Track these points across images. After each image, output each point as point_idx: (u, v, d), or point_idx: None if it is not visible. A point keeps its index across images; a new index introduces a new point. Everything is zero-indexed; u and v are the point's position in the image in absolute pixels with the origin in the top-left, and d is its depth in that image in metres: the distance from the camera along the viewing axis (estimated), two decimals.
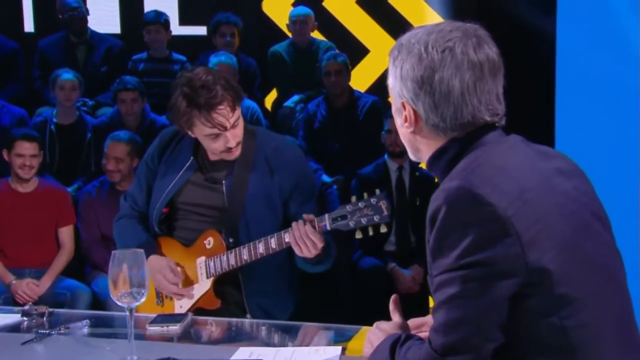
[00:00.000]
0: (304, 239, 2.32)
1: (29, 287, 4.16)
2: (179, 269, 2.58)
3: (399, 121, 1.58)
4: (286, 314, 2.61)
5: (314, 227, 2.33)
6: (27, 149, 4.19)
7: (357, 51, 5.70)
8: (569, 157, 1.61)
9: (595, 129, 4.80)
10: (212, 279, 2.55)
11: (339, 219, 2.29)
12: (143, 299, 1.91)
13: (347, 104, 5.16)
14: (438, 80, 1.48)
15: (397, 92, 1.54)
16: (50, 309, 2.33)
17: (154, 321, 2.23)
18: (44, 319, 2.28)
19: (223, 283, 2.57)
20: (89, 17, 5.58)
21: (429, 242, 1.46)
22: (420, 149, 1.58)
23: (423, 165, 4.82)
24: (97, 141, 4.89)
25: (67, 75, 4.96)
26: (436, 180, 4.76)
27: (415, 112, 1.52)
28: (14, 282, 4.19)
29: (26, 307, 2.31)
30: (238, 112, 2.48)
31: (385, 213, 2.24)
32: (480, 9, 5.37)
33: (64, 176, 4.90)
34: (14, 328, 2.23)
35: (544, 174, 1.48)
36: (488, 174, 1.43)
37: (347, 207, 2.28)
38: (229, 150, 2.48)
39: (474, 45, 1.49)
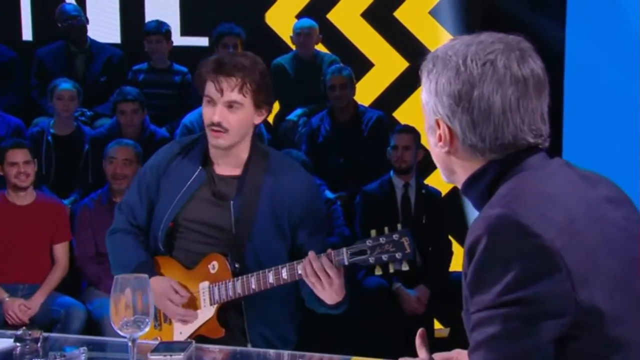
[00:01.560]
0: (320, 274, 2.19)
1: (20, 309, 4.02)
2: (184, 290, 2.44)
3: (432, 140, 1.45)
4: (289, 345, 2.48)
5: (330, 260, 2.21)
6: (19, 156, 4.10)
7: (361, 65, 5.59)
8: (610, 179, 1.48)
9: (603, 137, 4.73)
10: (216, 306, 2.41)
11: (357, 253, 2.19)
12: (147, 329, 1.78)
13: (351, 118, 5.05)
14: (477, 96, 1.35)
15: (431, 108, 1.42)
16: (45, 334, 2.19)
17: (156, 349, 2.09)
18: (38, 344, 2.14)
19: (225, 310, 2.43)
20: (88, 27, 5.46)
21: (466, 276, 1.33)
22: (455, 170, 1.45)
23: (431, 183, 4.77)
24: (95, 153, 4.77)
25: (65, 85, 4.85)
26: (442, 195, 4.67)
27: (450, 130, 1.40)
28: (7, 299, 4.06)
29: (19, 332, 2.17)
30: (245, 106, 2.35)
31: (408, 250, 2.15)
32: (487, 21, 5.28)
33: (60, 188, 4.78)
34: (6, 355, 2.10)
35: (593, 202, 1.36)
36: (533, 202, 1.30)
37: (367, 242, 2.18)
38: (212, 126, 2.36)
39: (517, 58, 1.36)
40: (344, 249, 2.20)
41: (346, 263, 2.20)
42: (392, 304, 4.34)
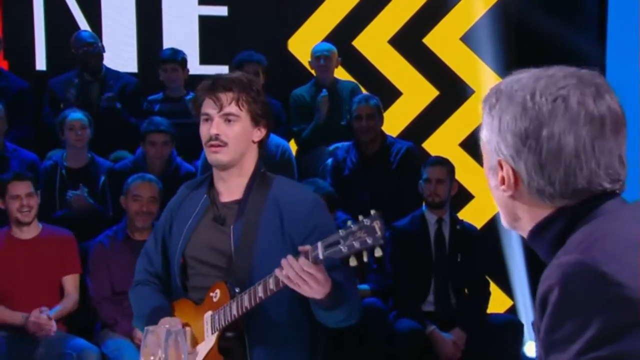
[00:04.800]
0: (301, 275, 2.11)
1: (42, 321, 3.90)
2: (186, 329, 2.36)
3: (493, 182, 1.36)
4: None
5: (307, 258, 2.13)
6: (21, 188, 3.99)
7: (388, 94, 5.46)
8: None
9: None
10: (216, 333, 2.34)
11: (331, 245, 2.08)
12: None
13: (379, 150, 4.84)
14: (546, 136, 1.25)
15: (493, 147, 1.32)
16: None
17: None
18: None
19: (227, 339, 2.36)
20: (105, 55, 5.34)
21: (539, 332, 1.22)
22: (519, 216, 1.34)
23: (465, 217, 4.62)
24: (115, 186, 4.59)
25: (75, 115, 4.72)
26: (479, 228, 4.50)
27: (515, 172, 1.30)
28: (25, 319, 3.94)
29: None
30: (242, 118, 2.35)
31: (379, 234, 2.01)
32: (523, 46, 5.17)
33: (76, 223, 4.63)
34: None
35: None
36: (613, 248, 1.19)
37: (340, 231, 2.07)
38: (210, 141, 2.35)
39: (593, 94, 1.26)
40: (319, 243, 2.11)
41: (321, 257, 2.10)
42: (426, 349, 4.15)
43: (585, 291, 1.16)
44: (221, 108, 2.34)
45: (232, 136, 2.35)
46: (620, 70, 4.72)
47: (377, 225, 2.03)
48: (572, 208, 1.27)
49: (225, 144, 2.35)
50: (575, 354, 1.15)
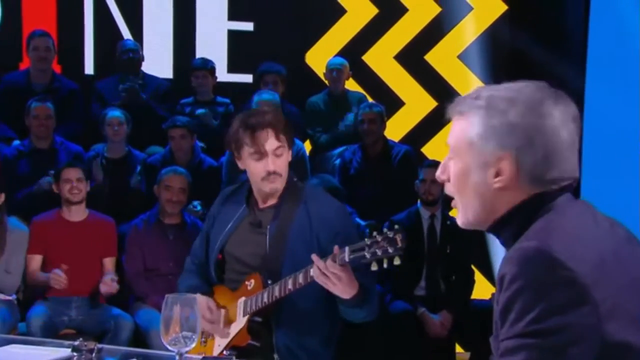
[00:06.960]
0: (326, 273, 2.25)
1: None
2: (217, 308, 2.55)
3: (481, 176, 1.38)
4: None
5: (334, 260, 2.26)
6: (71, 173, 4.23)
7: (393, 103, 5.63)
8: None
9: (621, 178, 4.66)
10: (247, 316, 2.51)
11: (357, 250, 2.22)
12: (193, 345, 1.81)
13: (381, 152, 5.05)
14: (551, 130, 1.34)
15: (497, 143, 1.35)
16: (99, 345, 2.23)
17: None
18: (93, 355, 2.18)
19: (257, 324, 2.51)
20: (144, 63, 5.54)
21: (497, 303, 1.32)
22: (498, 209, 1.38)
23: (456, 215, 4.74)
24: (148, 176, 4.79)
25: (113, 113, 4.95)
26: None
27: (518, 164, 1.35)
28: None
29: (76, 343, 2.21)
30: (284, 147, 2.51)
31: (400, 245, 2.13)
32: (512, 66, 5.28)
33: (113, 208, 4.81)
34: None
35: (617, 242, 1.36)
36: (566, 240, 1.30)
37: (366, 240, 2.20)
38: (268, 175, 2.48)
39: (568, 100, 1.39)
40: (347, 248, 2.24)
41: (347, 260, 2.23)
42: (417, 328, 4.30)
43: (540, 272, 1.26)
44: (269, 149, 2.47)
45: (283, 167, 2.52)
46: (597, 95, 4.81)
47: (399, 237, 2.14)
48: (542, 195, 1.35)
49: (281, 175, 2.51)
50: (526, 324, 1.24)
